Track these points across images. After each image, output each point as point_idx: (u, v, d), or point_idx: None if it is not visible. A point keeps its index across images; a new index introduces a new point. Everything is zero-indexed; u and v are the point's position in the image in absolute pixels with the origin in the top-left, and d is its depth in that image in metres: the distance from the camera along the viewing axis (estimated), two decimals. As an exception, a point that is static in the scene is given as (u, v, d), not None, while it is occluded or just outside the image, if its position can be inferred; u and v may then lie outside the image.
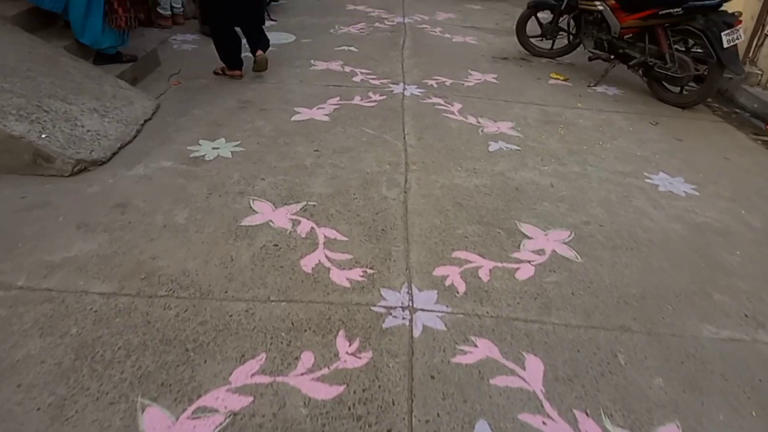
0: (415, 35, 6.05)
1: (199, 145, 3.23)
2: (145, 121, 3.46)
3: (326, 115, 3.78)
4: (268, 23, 5.99)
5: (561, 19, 5.28)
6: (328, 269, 2.25)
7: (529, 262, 2.40)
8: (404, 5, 7.49)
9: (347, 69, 4.77)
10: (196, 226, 2.47)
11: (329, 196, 2.79)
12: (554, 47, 5.57)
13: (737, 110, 4.73)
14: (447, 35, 6.17)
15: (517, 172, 3.20)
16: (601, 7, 4.72)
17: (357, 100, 4.08)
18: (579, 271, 2.37)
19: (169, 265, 2.21)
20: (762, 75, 5.02)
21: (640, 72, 4.68)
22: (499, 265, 2.36)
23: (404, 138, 3.51)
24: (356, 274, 2.23)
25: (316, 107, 3.89)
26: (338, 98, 4.08)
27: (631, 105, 4.51)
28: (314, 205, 2.69)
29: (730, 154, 3.73)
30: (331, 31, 5.98)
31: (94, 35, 3.78)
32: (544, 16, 5.52)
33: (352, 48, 5.38)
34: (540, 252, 2.47)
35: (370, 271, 2.25)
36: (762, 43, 5.05)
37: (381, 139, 3.48)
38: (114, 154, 3.04)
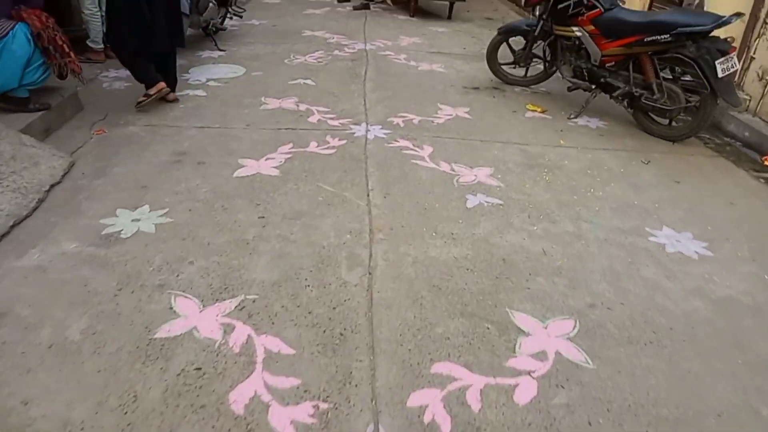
0: (378, 64, 5.56)
1: (116, 216, 2.63)
2: (52, 186, 2.84)
3: (276, 167, 3.23)
4: (215, 54, 5.43)
5: (535, 45, 4.87)
6: (267, 406, 1.68)
7: (529, 373, 1.88)
8: (365, 30, 7.02)
9: (303, 107, 4.23)
10: (93, 344, 1.88)
11: (274, 284, 2.22)
12: (528, 74, 5.15)
13: (728, 140, 4.36)
14: (412, 63, 5.71)
15: (502, 235, 2.70)
16: (579, 33, 4.32)
17: (313, 146, 3.55)
18: (593, 383, 1.86)
19: (46, 414, 1.61)
20: (750, 100, 4.68)
21: (625, 103, 4.27)
22: (492, 381, 1.83)
23: (368, 195, 2.98)
24: (304, 412, 1.67)
25: (264, 158, 3.34)
26: (291, 145, 3.53)
27: (618, 140, 4.09)
28: (254, 300, 2.12)
29: (736, 199, 3.31)
30: (286, 61, 5.44)
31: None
32: (517, 40, 5.10)
33: (309, 81, 4.85)
34: (541, 356, 1.96)
35: (323, 407, 1.69)
36: (748, 67, 4.73)
37: (340, 197, 2.94)
38: (3, 236, 2.42)
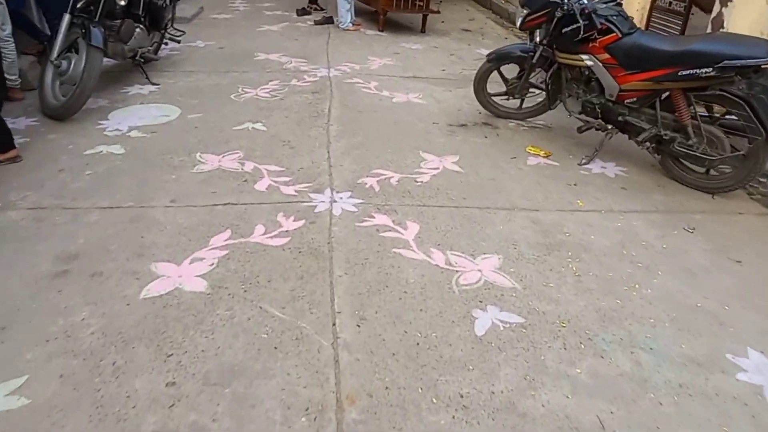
0: (344, 96, 4.66)
1: (-63, 399, 1.68)
2: None
3: (204, 276, 2.30)
4: (146, 89, 4.45)
5: (533, 74, 4.04)
6: None
7: None
8: (329, 51, 6.10)
9: (249, 166, 3.30)
10: None
11: None
12: (523, 106, 4.32)
13: (771, 186, 3.60)
14: (385, 93, 4.82)
15: (535, 391, 1.83)
16: (590, 63, 3.50)
17: (259, 233, 2.63)
18: None
19: None
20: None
21: (650, 147, 3.47)
22: None
23: (334, 324, 2.08)
24: None
25: (188, 259, 2.41)
26: (228, 233, 2.61)
27: (646, 196, 3.27)
28: None
29: (821, 288, 2.52)
30: (233, 96, 4.49)
31: None
32: (510, 66, 4.27)
33: (259, 125, 3.91)
34: None
35: None
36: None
37: (294, 331, 2.03)
38: None
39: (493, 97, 4.34)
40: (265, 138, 3.72)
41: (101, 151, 3.39)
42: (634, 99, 3.42)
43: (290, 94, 4.61)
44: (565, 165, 3.64)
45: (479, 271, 2.45)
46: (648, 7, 5.59)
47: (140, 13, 4.50)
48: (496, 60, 4.11)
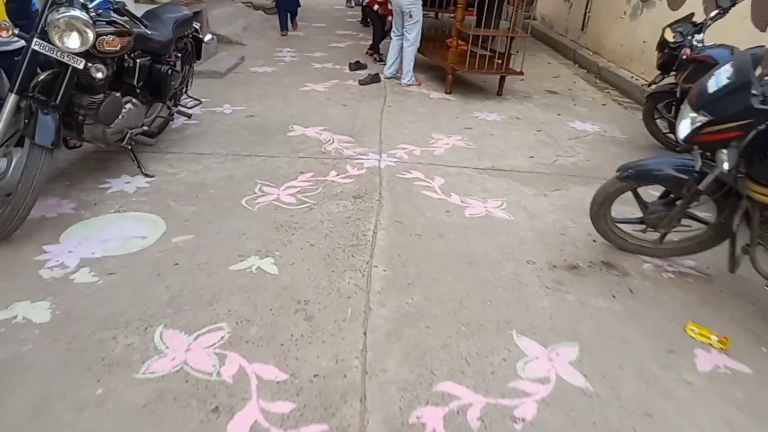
0: (397, 206, 3.33)
1: None
2: None
3: None
4: (132, 184, 3.31)
5: (694, 203, 2.58)
6: None
7: None
8: (382, 123, 4.84)
9: (229, 367, 1.99)
10: None
11: None
12: (665, 241, 2.86)
13: None
14: (455, 198, 3.47)
15: None
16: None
17: None
18: None
19: None
20: None
21: None
22: None
23: None
24: None
25: None
26: None
27: None
28: None
29: None
30: (245, 200, 3.26)
31: None
32: (655, 192, 2.83)
33: (268, 263, 2.63)
34: None
35: None
36: None
37: None
38: None
39: (618, 225, 2.91)
40: (271, 293, 2.42)
41: (14, 317, 2.18)
42: None
43: (324, 200, 3.33)
44: (761, 370, 2.14)
45: None
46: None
47: (135, 82, 3.39)
48: (635, 179, 2.67)
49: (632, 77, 6.82)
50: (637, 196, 2.76)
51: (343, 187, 3.52)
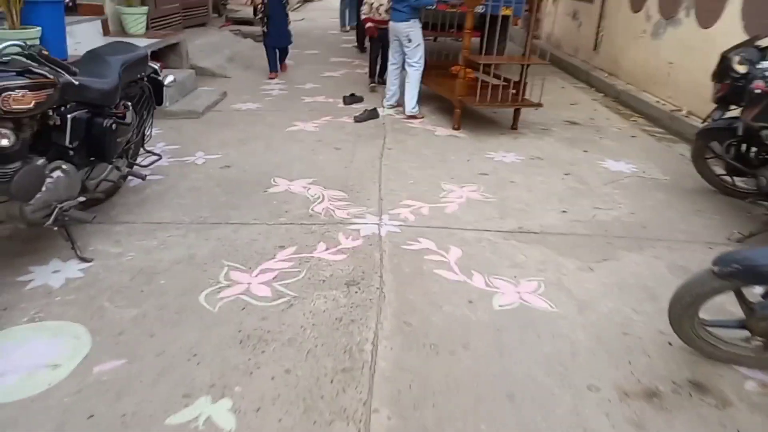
0: (404, 297, 2.55)
1: None
2: None
3: None
4: (62, 276, 2.51)
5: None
6: None
7: None
8: (382, 171, 4.08)
9: None
10: None
11: None
12: (775, 347, 2.07)
13: None
14: (477, 281, 2.69)
15: None
16: None
17: None
18: None
19: None
20: None
21: None
22: None
23: None
24: None
25: None
26: None
27: None
28: None
29: None
30: (206, 294, 2.49)
31: None
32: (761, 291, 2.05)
33: (222, 415, 1.85)
34: None
35: None
36: None
37: None
38: None
39: (708, 328, 2.12)
40: (222, 474, 1.63)
41: None
42: None
43: (308, 290, 2.55)
44: None
45: None
46: None
47: (66, 143, 2.65)
48: (742, 278, 1.88)
49: (658, 101, 6.09)
50: (740, 297, 1.98)
51: (334, 268, 2.74)
